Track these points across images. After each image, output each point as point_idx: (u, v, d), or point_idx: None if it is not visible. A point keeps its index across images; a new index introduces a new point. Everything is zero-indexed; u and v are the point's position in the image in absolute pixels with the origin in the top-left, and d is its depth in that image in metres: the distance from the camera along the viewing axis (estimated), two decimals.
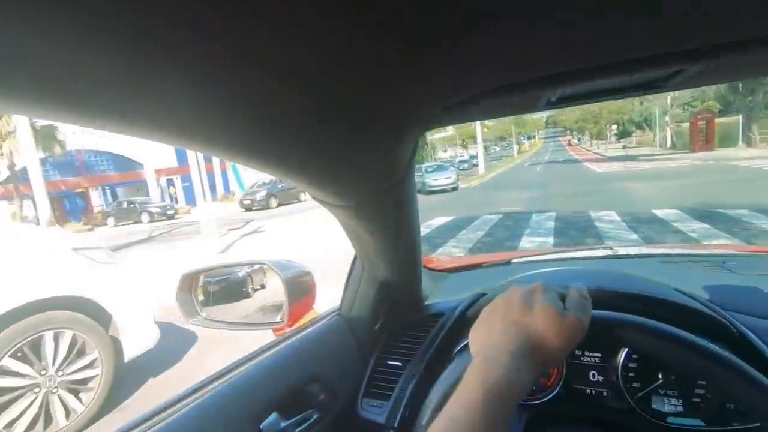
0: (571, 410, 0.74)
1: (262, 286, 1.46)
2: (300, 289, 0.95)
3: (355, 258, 0.86)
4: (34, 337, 2.25)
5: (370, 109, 0.35)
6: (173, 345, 3.40)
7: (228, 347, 3.11)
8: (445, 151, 70.24)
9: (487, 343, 0.47)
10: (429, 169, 19.05)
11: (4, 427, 2.10)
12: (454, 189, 17.78)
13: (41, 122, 19.04)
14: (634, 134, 46.95)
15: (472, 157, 40.96)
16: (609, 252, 1.27)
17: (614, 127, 54.51)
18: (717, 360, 0.45)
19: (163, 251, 9.18)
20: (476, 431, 0.37)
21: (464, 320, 0.83)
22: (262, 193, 19.15)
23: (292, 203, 19.18)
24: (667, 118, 32.38)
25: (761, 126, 23.11)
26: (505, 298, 0.51)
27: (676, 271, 1.06)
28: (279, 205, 19.04)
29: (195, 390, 0.69)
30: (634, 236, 6.05)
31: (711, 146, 22.98)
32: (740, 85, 22.16)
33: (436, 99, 0.38)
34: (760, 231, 5.63)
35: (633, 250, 1.27)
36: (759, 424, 0.57)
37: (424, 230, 8.10)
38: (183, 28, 0.22)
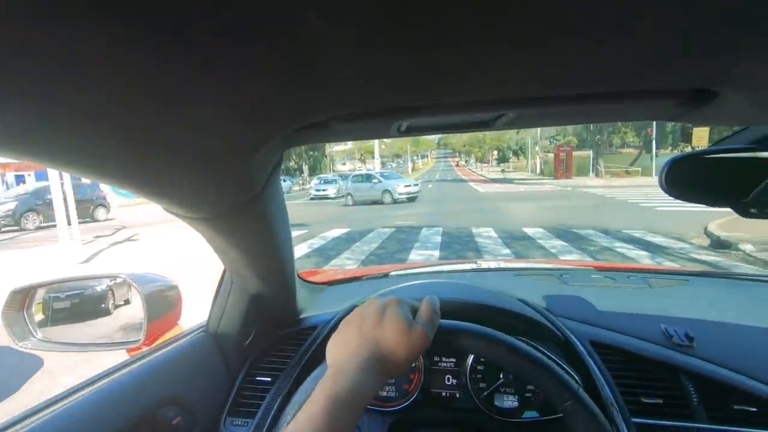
0: (430, 414, 0.81)
1: (126, 302, 1.31)
2: (162, 304, 0.88)
3: (224, 272, 0.83)
4: None
5: (220, 125, 0.36)
6: (14, 370, 2.85)
7: (82, 368, 2.70)
8: (344, 164, 71.02)
9: (340, 355, 0.49)
10: (391, 176, 18.30)
11: None
12: (414, 199, 16.85)
13: None
14: (511, 160, 53.06)
15: (369, 171, 42.13)
16: (474, 266, 1.41)
17: (495, 152, 61.04)
18: (532, 361, 0.53)
19: (7, 259, 7.67)
20: None
21: None
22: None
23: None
24: (537, 148, 37.27)
25: (606, 160, 28.03)
26: (362, 311, 0.53)
27: (525, 283, 1.21)
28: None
29: (16, 421, 0.59)
30: (507, 251, 6.76)
31: (569, 175, 27.03)
32: (592, 125, 26.49)
33: (288, 120, 0.39)
34: (601, 247, 6.73)
35: (494, 264, 1.44)
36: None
37: (319, 242, 8.05)
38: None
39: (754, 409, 0.71)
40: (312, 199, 20.59)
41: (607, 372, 0.77)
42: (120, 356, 0.83)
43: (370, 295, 0.99)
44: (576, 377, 0.75)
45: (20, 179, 24.01)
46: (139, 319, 1.18)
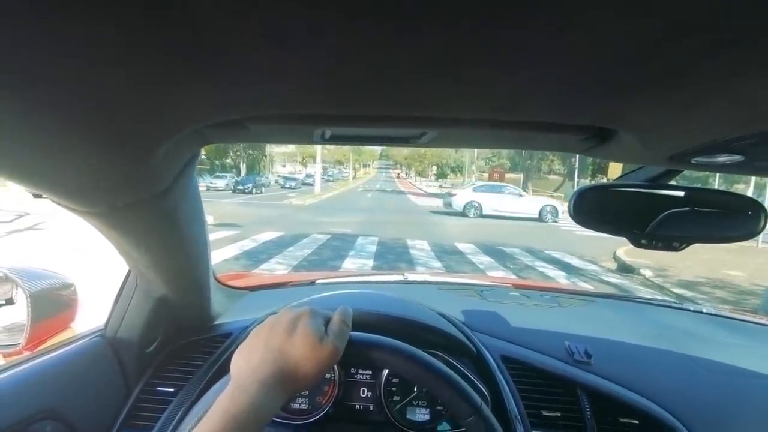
0: (341, 428, 0.79)
1: (8, 301, 1.16)
2: (52, 304, 0.79)
3: (129, 272, 0.76)
4: None
5: (119, 110, 0.32)
6: None
7: None
8: (284, 166, 69.45)
9: (244, 369, 0.46)
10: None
11: None
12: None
13: None
14: (449, 177, 55.14)
15: (308, 176, 41.65)
16: (401, 278, 1.43)
17: (434, 168, 63.12)
18: (437, 375, 0.54)
19: None
20: None
21: None
22: None
23: None
24: (473, 167, 39.15)
25: (534, 184, 30.21)
26: (273, 322, 0.51)
27: (448, 297, 1.25)
28: None
29: None
30: (439, 264, 6.96)
31: None
32: (523, 151, 28.44)
33: (198, 115, 0.37)
34: (524, 265, 7.16)
35: (419, 277, 1.46)
36: None
37: (249, 244, 7.75)
38: None
39: (636, 422, 0.78)
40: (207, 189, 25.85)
41: (514, 386, 0.81)
42: None
43: (294, 301, 0.97)
44: (485, 391, 0.77)
45: None
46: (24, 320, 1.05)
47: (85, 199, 0.47)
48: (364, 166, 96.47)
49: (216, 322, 0.94)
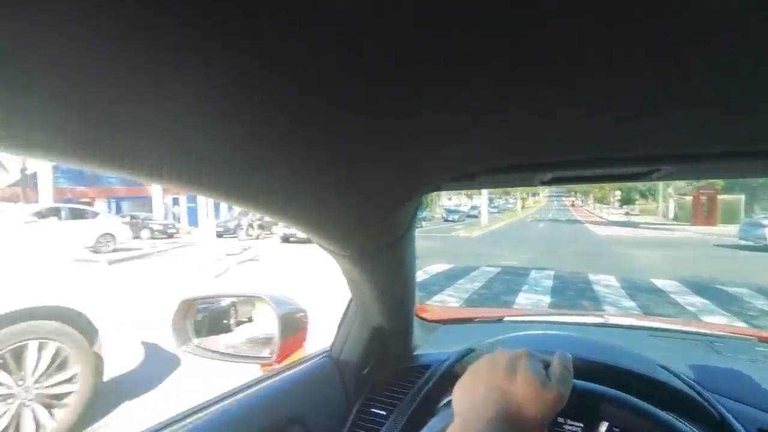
0: None
1: (249, 320, 1.45)
2: (293, 326, 0.97)
3: (350, 301, 0.88)
4: (18, 345, 2.22)
5: (378, 176, 0.40)
6: (154, 368, 3.32)
7: (209, 377, 3.04)
8: (449, 199, 70.94)
9: (468, 406, 0.48)
10: None
11: None
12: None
13: None
14: (636, 202, 47.60)
15: (473, 207, 41.42)
16: (600, 320, 1.28)
17: (618, 193, 55.35)
18: None
19: (159, 270, 9.12)
20: None
21: (451, 375, 0.83)
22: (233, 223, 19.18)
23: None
24: (670, 190, 32.91)
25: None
26: (491, 361, 0.52)
27: (665, 347, 1.06)
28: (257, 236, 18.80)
29: (173, 422, 0.69)
30: (632, 304, 5.99)
31: (713, 221, 23.20)
32: None
33: (439, 174, 0.42)
34: (760, 312, 5.57)
35: (624, 321, 1.28)
36: None
37: (421, 276, 8.06)
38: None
39: None
40: None
41: None
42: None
43: (483, 338, 0.97)
44: None
45: (176, 201, 28.64)
46: (261, 336, 1.30)
47: (344, 243, 0.57)
48: (533, 195, 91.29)
49: (415, 353, 1.00)
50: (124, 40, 0.18)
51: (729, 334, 1.20)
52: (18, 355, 2.24)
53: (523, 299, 6.25)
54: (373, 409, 0.87)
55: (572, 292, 6.74)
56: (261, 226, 19.61)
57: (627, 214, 40.72)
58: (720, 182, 28.50)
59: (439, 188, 0.51)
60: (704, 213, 23.88)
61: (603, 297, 6.34)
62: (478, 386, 0.50)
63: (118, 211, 26.21)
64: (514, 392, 0.47)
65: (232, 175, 0.35)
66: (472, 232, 20.57)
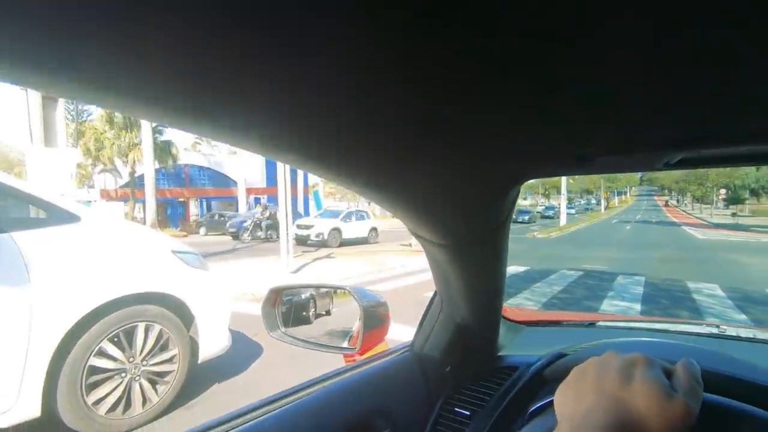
0: None
1: (327, 312, 1.49)
2: (375, 318, 0.97)
3: (435, 295, 0.86)
4: (129, 326, 2.51)
5: (487, 157, 0.37)
6: (240, 354, 3.57)
7: (288, 366, 3.20)
8: (524, 198, 67.85)
9: (575, 411, 0.43)
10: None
11: (93, 404, 2.33)
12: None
13: (162, 137, 21.93)
14: (747, 201, 41.84)
15: (548, 208, 39.24)
16: (714, 330, 1.12)
17: (723, 191, 48.97)
18: None
19: (243, 265, 9.81)
20: None
21: (540, 379, 0.78)
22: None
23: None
24: None
25: None
26: (600, 364, 0.47)
27: None
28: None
29: (264, 404, 0.71)
30: (743, 317, 5.28)
31: None
32: None
33: (548, 158, 0.38)
34: None
35: (744, 333, 1.12)
36: None
37: None
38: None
39: None
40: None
41: None
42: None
43: (573, 342, 0.89)
44: None
45: (257, 201, 30.74)
46: (340, 328, 1.32)
47: (444, 232, 0.55)
48: (619, 194, 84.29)
49: (500, 353, 0.95)
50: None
51: None
52: (129, 334, 2.53)
53: (608, 306, 5.77)
54: (456, 408, 0.84)
55: (667, 300, 6.10)
56: (270, 226, 16.44)
57: (734, 215, 35.98)
58: None
59: (550, 172, 0.47)
60: None
61: (706, 308, 5.65)
62: (587, 391, 0.45)
63: (208, 209, 28.77)
64: (633, 402, 0.41)
65: (350, 164, 0.37)
66: (550, 234, 19.56)
